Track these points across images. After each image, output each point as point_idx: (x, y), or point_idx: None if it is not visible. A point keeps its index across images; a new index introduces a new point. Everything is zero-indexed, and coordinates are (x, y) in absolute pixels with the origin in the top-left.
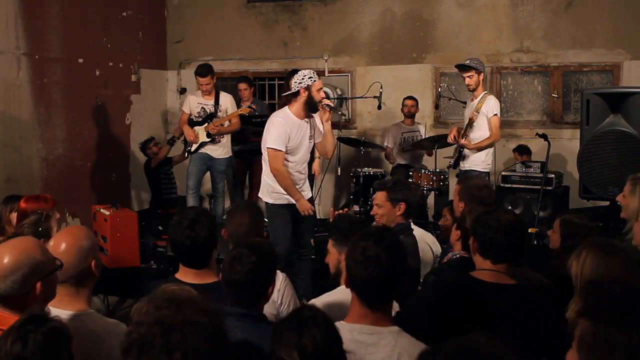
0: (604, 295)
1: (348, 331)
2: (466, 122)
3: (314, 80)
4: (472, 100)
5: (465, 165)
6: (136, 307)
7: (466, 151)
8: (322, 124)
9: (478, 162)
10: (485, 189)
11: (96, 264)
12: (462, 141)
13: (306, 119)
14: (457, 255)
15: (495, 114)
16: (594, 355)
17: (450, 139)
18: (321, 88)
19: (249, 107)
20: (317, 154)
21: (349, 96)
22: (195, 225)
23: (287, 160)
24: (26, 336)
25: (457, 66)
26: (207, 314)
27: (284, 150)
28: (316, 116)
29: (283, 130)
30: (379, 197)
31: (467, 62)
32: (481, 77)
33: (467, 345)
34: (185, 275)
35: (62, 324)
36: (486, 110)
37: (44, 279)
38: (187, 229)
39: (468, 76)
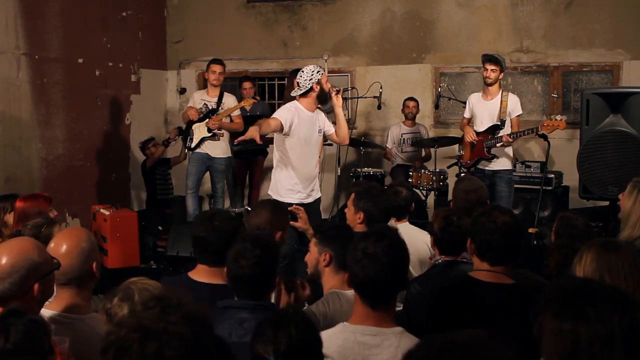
0: (556, 290)
1: (351, 332)
2: (480, 118)
3: (322, 73)
4: (488, 98)
5: (496, 165)
6: (115, 303)
7: (497, 151)
8: (335, 110)
9: (508, 161)
10: (473, 193)
11: (97, 265)
12: (511, 139)
13: (314, 113)
14: (439, 260)
15: (519, 114)
16: (546, 346)
17: (470, 139)
18: (327, 79)
19: (253, 97)
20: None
21: (349, 96)
22: (214, 219)
23: (299, 153)
24: (7, 329)
25: (486, 55)
26: (191, 322)
27: (280, 123)
28: (320, 113)
29: (290, 114)
30: (351, 197)
31: (497, 56)
32: (501, 76)
33: (459, 340)
34: (199, 274)
35: (41, 317)
36: (511, 110)
37: (41, 280)
38: (206, 221)
39: (492, 69)
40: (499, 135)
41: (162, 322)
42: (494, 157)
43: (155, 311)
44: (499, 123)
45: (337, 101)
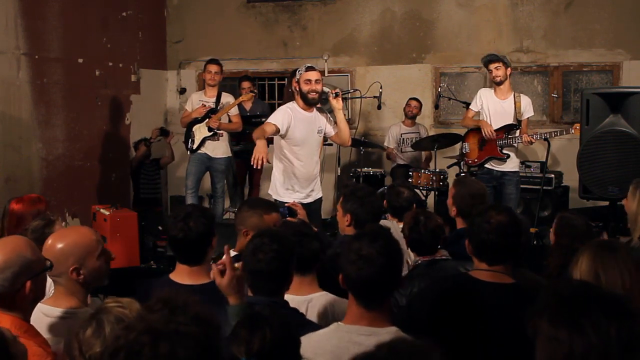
0: (553, 295)
1: (346, 333)
2: (493, 117)
3: (301, 73)
4: (501, 97)
5: (506, 167)
6: (87, 338)
7: (510, 151)
8: (335, 112)
9: (517, 163)
10: (478, 198)
11: (76, 269)
12: (534, 140)
13: (313, 113)
14: (419, 261)
15: (529, 117)
16: (541, 351)
17: (489, 134)
18: (310, 79)
19: (252, 92)
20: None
21: (349, 96)
22: (188, 219)
23: (297, 153)
24: None
25: (483, 59)
26: (200, 322)
27: (276, 126)
28: (321, 115)
29: (286, 116)
30: (340, 200)
31: (494, 54)
32: (509, 71)
33: (400, 348)
34: (180, 275)
35: None
36: (523, 111)
37: (33, 278)
38: (181, 222)
39: (495, 67)
40: (516, 135)
41: (172, 323)
42: (508, 156)
43: (164, 313)
44: (515, 123)
45: (337, 104)
